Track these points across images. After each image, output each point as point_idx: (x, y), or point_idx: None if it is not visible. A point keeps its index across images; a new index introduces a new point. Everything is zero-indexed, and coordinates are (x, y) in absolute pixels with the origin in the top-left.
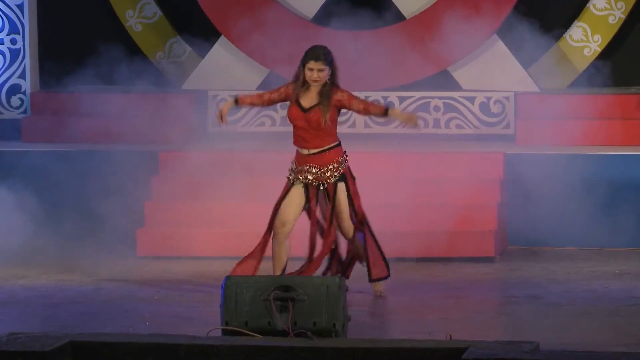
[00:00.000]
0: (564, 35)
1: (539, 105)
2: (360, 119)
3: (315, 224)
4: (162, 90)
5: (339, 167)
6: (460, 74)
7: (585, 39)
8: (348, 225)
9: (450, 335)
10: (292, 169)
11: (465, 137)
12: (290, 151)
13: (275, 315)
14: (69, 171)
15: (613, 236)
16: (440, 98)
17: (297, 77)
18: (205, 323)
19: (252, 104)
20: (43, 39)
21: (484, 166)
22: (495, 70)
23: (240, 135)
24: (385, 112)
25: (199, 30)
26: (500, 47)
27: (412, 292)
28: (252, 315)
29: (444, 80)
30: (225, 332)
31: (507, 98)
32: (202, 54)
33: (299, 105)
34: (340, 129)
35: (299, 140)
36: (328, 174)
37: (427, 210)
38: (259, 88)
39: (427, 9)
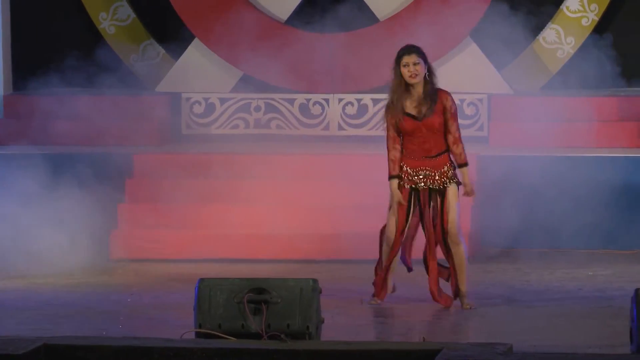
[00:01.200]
0: (538, 37)
1: (512, 107)
2: (334, 120)
3: (415, 228)
4: (136, 93)
5: (451, 169)
6: None
7: (559, 41)
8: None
9: (424, 337)
10: (407, 177)
11: None
12: (264, 153)
13: (249, 318)
14: (43, 174)
15: (586, 237)
16: None
17: (393, 88)
18: (178, 325)
19: (399, 160)
20: (16, 41)
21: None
22: (468, 72)
23: (214, 137)
24: (461, 165)
25: (173, 33)
26: (473, 49)
27: (386, 294)
28: (226, 317)
29: None
30: (198, 334)
31: (481, 100)
32: (176, 57)
33: (410, 115)
34: (314, 132)
35: (416, 150)
36: (442, 174)
37: None
38: (232, 90)
39: (401, 11)
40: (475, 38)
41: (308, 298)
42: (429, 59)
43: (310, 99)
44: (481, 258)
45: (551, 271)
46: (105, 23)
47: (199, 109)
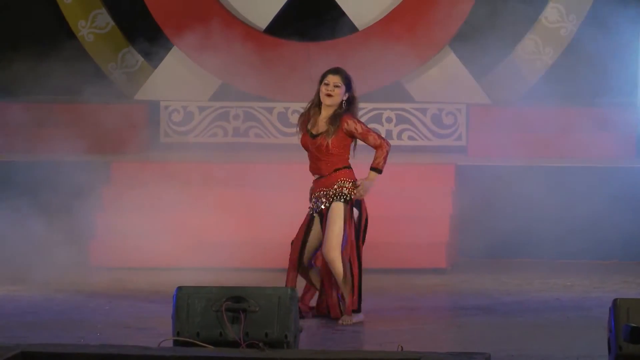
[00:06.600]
0: (516, 47)
1: (490, 117)
2: None
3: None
4: (115, 101)
5: (342, 186)
6: (412, 86)
7: (537, 51)
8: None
9: (401, 346)
10: (310, 198)
11: (417, 149)
12: (242, 161)
13: (227, 326)
14: (21, 182)
15: (564, 248)
16: (392, 109)
17: (311, 102)
18: (156, 334)
19: None
20: None
21: (435, 178)
22: (447, 82)
23: (193, 145)
24: (373, 168)
25: (152, 41)
26: (452, 59)
27: (364, 303)
28: (204, 326)
29: (396, 92)
30: (176, 342)
31: (459, 110)
32: (155, 65)
33: (308, 131)
34: (292, 140)
35: (311, 167)
36: (331, 192)
37: (379, 222)
38: (211, 99)
39: (380, 20)
40: (454, 48)
41: (286, 307)
42: (406, 69)
43: (289, 107)
44: (459, 268)
45: (529, 281)
46: (84, 31)
47: (177, 117)
